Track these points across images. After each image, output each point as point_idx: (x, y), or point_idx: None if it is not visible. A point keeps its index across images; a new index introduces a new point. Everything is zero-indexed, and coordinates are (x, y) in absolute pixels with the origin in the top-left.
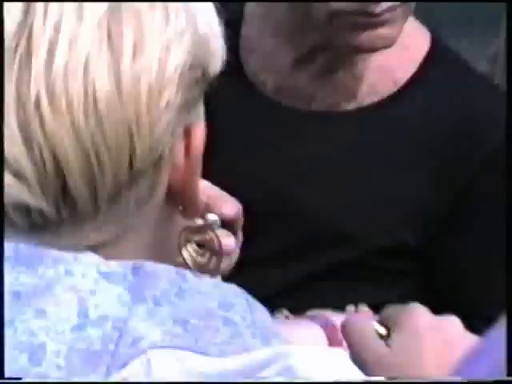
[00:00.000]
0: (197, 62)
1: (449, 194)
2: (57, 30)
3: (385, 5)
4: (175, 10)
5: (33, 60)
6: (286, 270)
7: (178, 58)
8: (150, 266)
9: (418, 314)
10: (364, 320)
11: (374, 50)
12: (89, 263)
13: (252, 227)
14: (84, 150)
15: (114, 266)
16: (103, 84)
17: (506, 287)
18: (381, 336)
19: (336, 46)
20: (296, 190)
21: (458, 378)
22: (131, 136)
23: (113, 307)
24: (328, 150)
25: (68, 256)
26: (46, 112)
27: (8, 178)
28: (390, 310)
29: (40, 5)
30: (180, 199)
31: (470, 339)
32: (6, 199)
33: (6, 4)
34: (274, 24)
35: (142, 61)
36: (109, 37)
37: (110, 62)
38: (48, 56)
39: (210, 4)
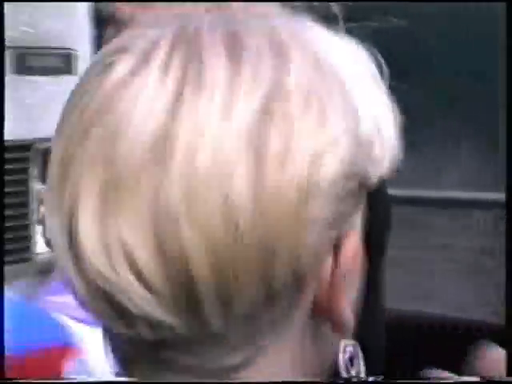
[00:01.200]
0: (353, 171)
1: None
2: (200, 133)
3: None
4: (334, 109)
5: (172, 163)
6: None
7: (328, 169)
8: None
9: None
10: None
11: None
12: None
13: None
14: (220, 267)
15: None
16: (244, 199)
17: (505, 287)
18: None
19: None
20: None
21: (458, 378)
22: (271, 255)
23: None
24: None
25: None
26: (183, 221)
27: (139, 290)
28: None
29: (188, 105)
30: (327, 315)
31: None
32: (135, 311)
33: (148, 96)
34: None
35: (287, 174)
36: (255, 144)
37: (253, 174)
38: (188, 160)
39: (381, 85)
